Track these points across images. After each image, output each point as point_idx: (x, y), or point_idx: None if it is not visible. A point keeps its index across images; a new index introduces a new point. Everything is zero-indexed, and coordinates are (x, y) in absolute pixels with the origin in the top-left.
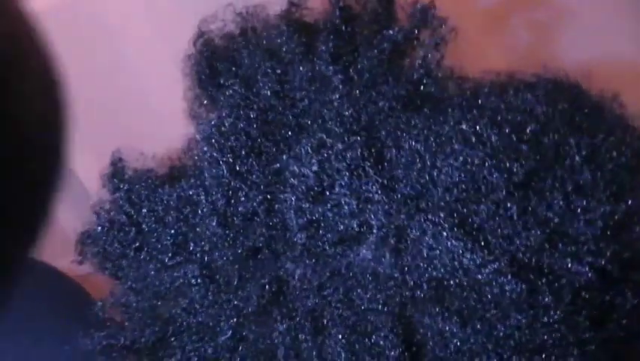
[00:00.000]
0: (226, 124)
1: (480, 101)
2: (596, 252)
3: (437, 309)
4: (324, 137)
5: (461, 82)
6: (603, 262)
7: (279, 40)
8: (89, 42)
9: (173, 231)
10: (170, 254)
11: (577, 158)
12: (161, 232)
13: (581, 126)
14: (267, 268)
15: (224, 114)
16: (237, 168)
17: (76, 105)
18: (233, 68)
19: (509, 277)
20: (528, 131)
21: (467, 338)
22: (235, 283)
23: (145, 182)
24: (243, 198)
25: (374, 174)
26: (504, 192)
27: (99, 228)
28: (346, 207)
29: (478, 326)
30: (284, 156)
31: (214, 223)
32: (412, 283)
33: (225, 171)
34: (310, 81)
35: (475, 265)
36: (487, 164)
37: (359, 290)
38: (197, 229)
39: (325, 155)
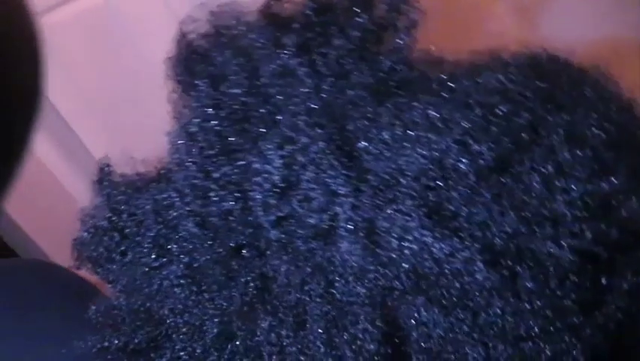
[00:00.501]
0: (194, 125)
1: (451, 85)
2: (578, 234)
3: (418, 299)
4: (289, 132)
5: (436, 66)
6: (587, 244)
7: (249, 36)
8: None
9: (153, 234)
10: (152, 256)
11: (555, 137)
12: (143, 235)
13: (560, 103)
14: (250, 265)
15: (192, 115)
16: (207, 168)
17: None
18: (206, 68)
19: (480, 265)
20: (499, 112)
21: (451, 327)
22: (218, 282)
23: (125, 187)
24: (215, 198)
25: (340, 167)
26: (474, 178)
27: (85, 234)
28: (315, 201)
29: (461, 315)
30: (249, 154)
31: (191, 225)
32: (389, 274)
33: (195, 172)
34: (279, 76)
35: (444, 254)
36: (454, 149)
37: (340, 284)
38: (177, 231)
39: (289, 150)
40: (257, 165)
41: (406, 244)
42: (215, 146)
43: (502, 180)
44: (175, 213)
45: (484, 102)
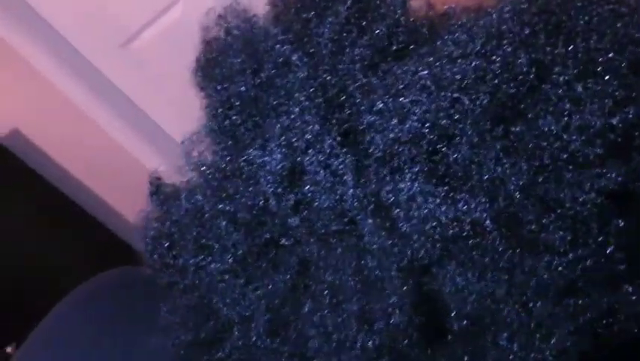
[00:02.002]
0: (206, 127)
1: (443, 39)
2: (604, 174)
3: (449, 265)
4: (286, 119)
5: (433, 23)
6: (613, 184)
7: (252, 32)
8: None
9: (193, 236)
10: (197, 257)
11: (565, 70)
12: (185, 238)
13: (569, 30)
14: (289, 253)
15: (205, 118)
16: (222, 167)
17: None
18: (219, 70)
19: (489, 224)
20: (495, 57)
21: (487, 290)
22: (261, 273)
23: (167, 196)
24: (236, 196)
25: (338, 146)
26: (476, 133)
27: (143, 245)
28: (320, 184)
29: (495, 276)
30: (254, 148)
31: (223, 223)
32: (411, 245)
33: (213, 172)
34: (275, 66)
35: (459, 217)
36: (448, 107)
37: (369, 261)
38: (213, 230)
39: (288, 137)
40: (261, 158)
41: (416, 212)
42: (227, 144)
43: (511, 129)
44: (206, 215)
45: (478, 51)
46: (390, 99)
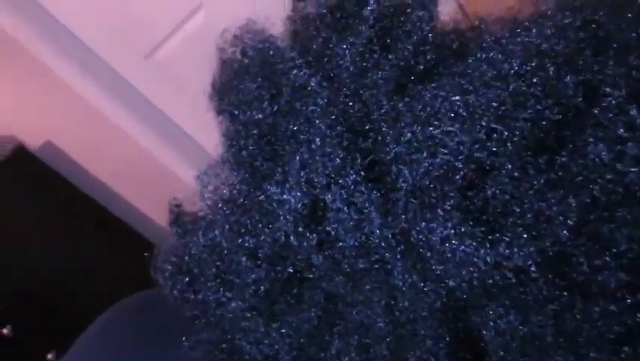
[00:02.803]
0: (223, 158)
1: (476, 57)
2: None
3: (490, 308)
4: (306, 153)
5: (463, 37)
6: None
7: (269, 55)
8: None
9: (213, 271)
10: (218, 293)
11: (616, 93)
12: (205, 274)
13: (621, 48)
14: (313, 287)
15: (222, 147)
16: (240, 201)
17: None
18: (235, 95)
19: (534, 271)
20: (536, 80)
21: (532, 334)
22: (284, 309)
23: (184, 227)
24: (255, 232)
25: (363, 181)
26: (517, 166)
27: (161, 278)
28: (344, 223)
29: (542, 320)
30: (271, 183)
31: (243, 258)
32: (447, 286)
33: (231, 207)
34: (294, 93)
35: (499, 260)
36: (485, 138)
37: (400, 301)
38: (233, 266)
39: (308, 173)
40: (279, 195)
41: (450, 256)
42: (245, 177)
43: (556, 159)
44: (225, 251)
45: (516, 71)
46: (419, 129)
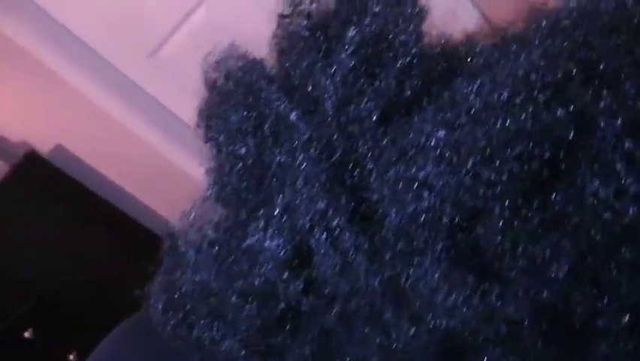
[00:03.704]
0: (207, 195)
1: (463, 85)
2: None
3: (491, 352)
4: (289, 191)
5: (451, 58)
6: None
7: (252, 83)
8: None
9: (206, 310)
10: (212, 330)
11: (612, 125)
12: (197, 311)
13: (616, 76)
14: (308, 322)
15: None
16: (225, 244)
17: None
18: (217, 125)
19: (528, 322)
20: (527, 113)
21: None
22: (278, 346)
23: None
24: (241, 275)
25: (349, 224)
26: (508, 207)
27: (154, 313)
28: (331, 268)
29: None
30: (252, 228)
31: (234, 298)
32: (442, 333)
33: (215, 251)
34: (278, 127)
35: (486, 313)
36: (474, 180)
37: (394, 339)
38: (225, 303)
39: (292, 217)
40: (261, 243)
41: (440, 304)
42: (230, 217)
43: (550, 198)
44: (216, 290)
45: (504, 105)
46: (404, 168)
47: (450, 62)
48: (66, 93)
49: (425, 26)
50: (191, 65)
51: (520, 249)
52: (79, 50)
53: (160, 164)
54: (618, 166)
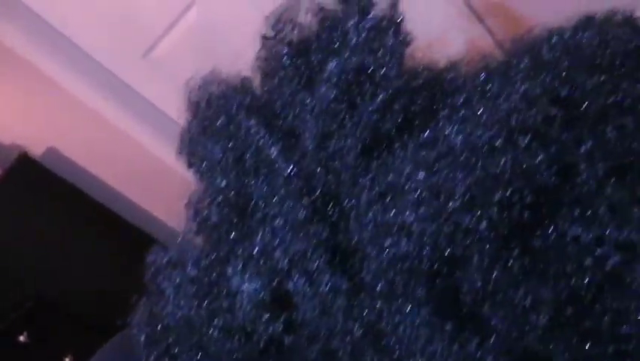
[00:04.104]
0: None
1: (444, 120)
2: None
3: None
4: (268, 231)
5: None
6: None
7: (233, 112)
8: None
9: (188, 346)
10: None
11: (593, 170)
12: (180, 346)
13: (598, 119)
14: (293, 354)
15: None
16: (204, 282)
17: None
18: (199, 153)
19: None
20: (507, 158)
21: None
22: None
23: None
24: (222, 313)
25: (327, 266)
26: (486, 252)
27: (136, 346)
28: (310, 311)
29: None
30: (231, 269)
31: (216, 333)
32: None
33: (194, 288)
34: (258, 162)
35: (470, 359)
36: (454, 227)
37: None
38: (205, 340)
39: (270, 259)
40: (239, 285)
41: (419, 351)
42: (207, 256)
43: (530, 244)
44: (198, 325)
45: (485, 147)
46: (382, 211)
47: (433, 93)
48: (59, 95)
49: (410, 49)
50: (185, 65)
51: (501, 296)
52: (71, 52)
53: (154, 165)
54: (600, 212)
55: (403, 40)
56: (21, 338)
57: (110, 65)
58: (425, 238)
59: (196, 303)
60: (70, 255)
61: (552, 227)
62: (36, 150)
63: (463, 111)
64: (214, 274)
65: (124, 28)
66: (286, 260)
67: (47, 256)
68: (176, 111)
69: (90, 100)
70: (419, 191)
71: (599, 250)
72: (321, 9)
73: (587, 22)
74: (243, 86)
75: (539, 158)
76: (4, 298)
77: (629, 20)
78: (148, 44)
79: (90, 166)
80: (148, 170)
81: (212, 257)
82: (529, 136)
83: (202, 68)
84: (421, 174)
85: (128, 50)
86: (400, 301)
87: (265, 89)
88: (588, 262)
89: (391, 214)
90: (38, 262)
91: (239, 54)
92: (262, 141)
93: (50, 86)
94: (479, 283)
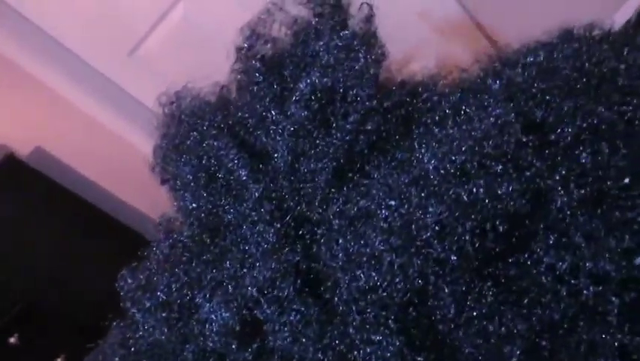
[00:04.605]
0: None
1: (417, 143)
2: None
3: None
4: (238, 262)
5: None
6: None
7: (203, 131)
8: None
9: None
10: None
11: (567, 198)
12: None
13: (572, 146)
14: None
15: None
16: (174, 310)
17: None
18: (172, 170)
19: None
20: (479, 186)
21: None
22: None
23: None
24: (194, 340)
25: (297, 294)
26: (458, 283)
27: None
28: (281, 339)
29: None
30: (200, 296)
31: (190, 357)
32: None
33: (164, 316)
34: (229, 183)
35: None
36: (424, 258)
37: None
38: None
39: (240, 287)
40: (207, 313)
41: None
42: (177, 282)
43: (502, 275)
44: (170, 349)
45: (457, 173)
46: (353, 240)
47: (407, 112)
48: (45, 95)
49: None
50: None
51: (475, 326)
52: (57, 52)
53: (142, 163)
54: (575, 240)
55: (377, 58)
56: (12, 340)
57: (96, 64)
58: (396, 269)
59: (167, 328)
60: (59, 255)
61: (526, 255)
62: (22, 150)
63: (436, 132)
64: (184, 301)
65: (109, 26)
66: (255, 289)
67: (36, 258)
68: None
69: (76, 99)
70: (390, 219)
71: (573, 281)
72: (295, 22)
73: (566, 36)
74: (215, 102)
75: (512, 185)
76: None
77: (607, 36)
78: (134, 42)
79: (78, 165)
80: (136, 167)
81: (183, 281)
82: (501, 162)
83: (188, 65)
84: (392, 202)
85: (114, 48)
86: (371, 331)
87: (238, 104)
88: (563, 292)
89: (362, 243)
90: (27, 263)
91: (225, 51)
92: (232, 162)
93: (36, 85)
94: (452, 314)
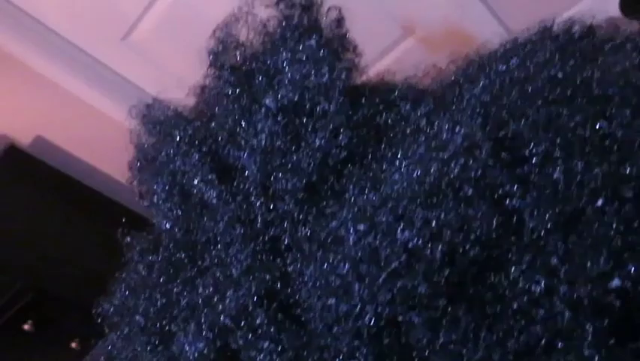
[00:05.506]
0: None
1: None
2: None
3: None
4: (211, 288)
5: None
6: None
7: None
8: None
9: None
10: None
11: (539, 221)
12: None
13: (542, 163)
14: None
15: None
16: (150, 332)
17: None
18: (147, 188)
19: None
20: (449, 211)
21: None
22: None
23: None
24: None
25: (271, 322)
26: (430, 311)
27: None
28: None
29: None
30: (174, 325)
31: None
32: None
33: (142, 339)
34: (200, 203)
35: None
36: (392, 288)
37: None
38: None
39: (213, 315)
40: (182, 345)
41: None
42: (152, 308)
43: (475, 304)
44: None
45: (425, 194)
46: (322, 266)
47: (378, 125)
48: (42, 84)
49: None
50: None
51: (449, 353)
52: (52, 40)
53: None
54: (551, 263)
55: (348, 66)
56: (25, 327)
57: (91, 50)
58: (365, 298)
59: (149, 350)
60: (66, 242)
61: (500, 279)
62: (23, 140)
63: (406, 148)
64: (164, 322)
65: (101, 13)
66: (230, 317)
67: (46, 246)
68: (160, 91)
69: (74, 87)
70: (358, 246)
71: (548, 304)
72: (264, 26)
73: (544, 34)
74: (188, 113)
75: (482, 208)
76: (3, 290)
77: (588, 34)
78: (127, 27)
79: (78, 152)
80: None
81: (160, 305)
82: (470, 185)
83: (182, 47)
84: (361, 226)
85: (108, 33)
86: (346, 358)
87: (210, 114)
88: (538, 316)
89: (330, 270)
90: (38, 252)
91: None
92: (202, 182)
93: (33, 75)
94: (426, 341)
